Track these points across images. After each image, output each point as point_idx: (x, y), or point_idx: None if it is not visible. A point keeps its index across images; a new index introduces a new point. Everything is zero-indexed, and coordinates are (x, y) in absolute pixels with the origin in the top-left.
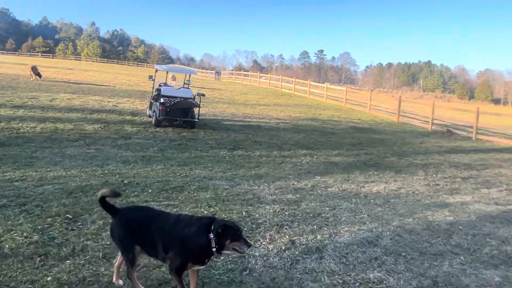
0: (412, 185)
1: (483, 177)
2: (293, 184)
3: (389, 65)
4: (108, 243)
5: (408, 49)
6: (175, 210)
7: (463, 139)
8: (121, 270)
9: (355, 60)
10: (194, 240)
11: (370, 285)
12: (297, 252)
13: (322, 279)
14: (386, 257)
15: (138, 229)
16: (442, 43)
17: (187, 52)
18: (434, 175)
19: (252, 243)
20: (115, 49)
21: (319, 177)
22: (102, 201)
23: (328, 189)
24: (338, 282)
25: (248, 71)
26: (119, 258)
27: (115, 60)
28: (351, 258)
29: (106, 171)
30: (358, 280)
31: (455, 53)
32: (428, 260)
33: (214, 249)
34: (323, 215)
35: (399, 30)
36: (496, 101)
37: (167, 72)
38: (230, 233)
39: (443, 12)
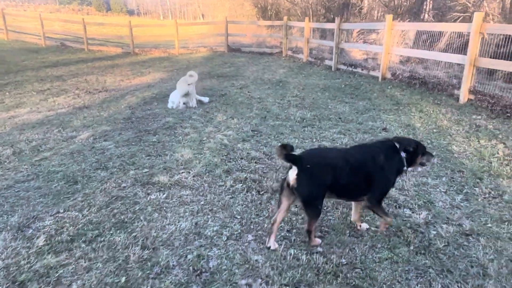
0: None
1: (63, 87)
2: None
3: None
4: None
5: None
6: None
7: (75, 51)
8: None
9: None
10: (394, 163)
11: None
12: None
13: None
14: None
15: (331, 173)
16: None
17: None
18: (9, 93)
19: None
20: None
21: None
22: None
23: None
24: None
25: None
26: (279, 216)
27: None
28: None
29: None
30: None
31: None
32: None
33: (405, 168)
34: None
35: None
36: (131, 12)
37: None
38: (421, 148)
39: None
